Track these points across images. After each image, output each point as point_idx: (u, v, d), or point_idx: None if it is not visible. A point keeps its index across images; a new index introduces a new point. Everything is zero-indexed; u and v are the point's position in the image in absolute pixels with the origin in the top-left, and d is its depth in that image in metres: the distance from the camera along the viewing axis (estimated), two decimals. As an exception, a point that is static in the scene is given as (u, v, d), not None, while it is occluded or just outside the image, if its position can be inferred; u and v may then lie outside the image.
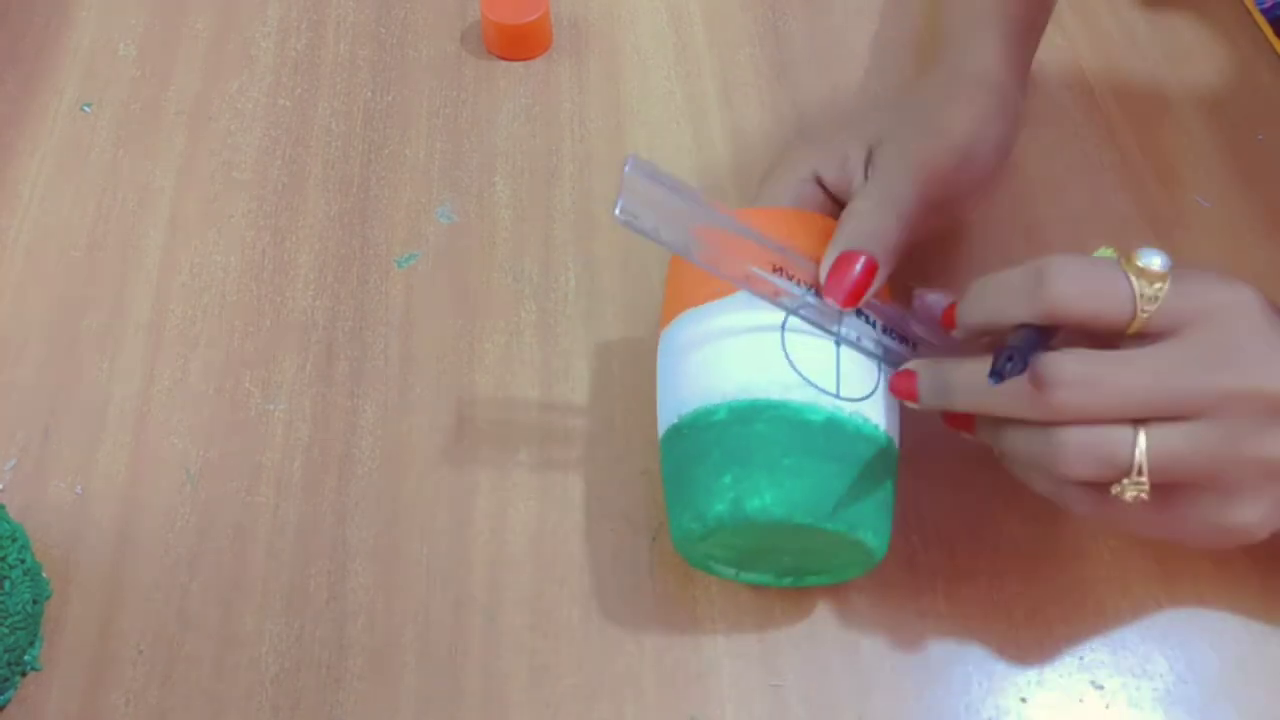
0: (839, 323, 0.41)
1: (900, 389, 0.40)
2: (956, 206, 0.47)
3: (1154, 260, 0.35)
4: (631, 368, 0.50)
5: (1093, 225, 0.55)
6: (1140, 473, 0.35)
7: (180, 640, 0.44)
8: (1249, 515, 0.36)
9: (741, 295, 0.41)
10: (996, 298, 0.38)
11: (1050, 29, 0.63)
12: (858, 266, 0.41)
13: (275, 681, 0.43)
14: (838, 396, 0.40)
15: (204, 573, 0.45)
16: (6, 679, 0.42)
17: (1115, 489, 0.36)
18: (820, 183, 0.46)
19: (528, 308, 0.52)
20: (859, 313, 0.42)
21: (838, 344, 0.41)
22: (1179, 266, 0.36)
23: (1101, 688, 0.42)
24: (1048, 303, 0.36)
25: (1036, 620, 0.44)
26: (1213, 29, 0.63)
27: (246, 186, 0.57)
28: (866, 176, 0.44)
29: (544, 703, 0.42)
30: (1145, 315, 0.35)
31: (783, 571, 0.43)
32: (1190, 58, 0.61)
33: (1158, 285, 0.35)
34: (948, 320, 0.41)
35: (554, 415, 0.49)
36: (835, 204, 0.46)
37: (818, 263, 0.42)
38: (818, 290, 0.41)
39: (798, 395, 0.39)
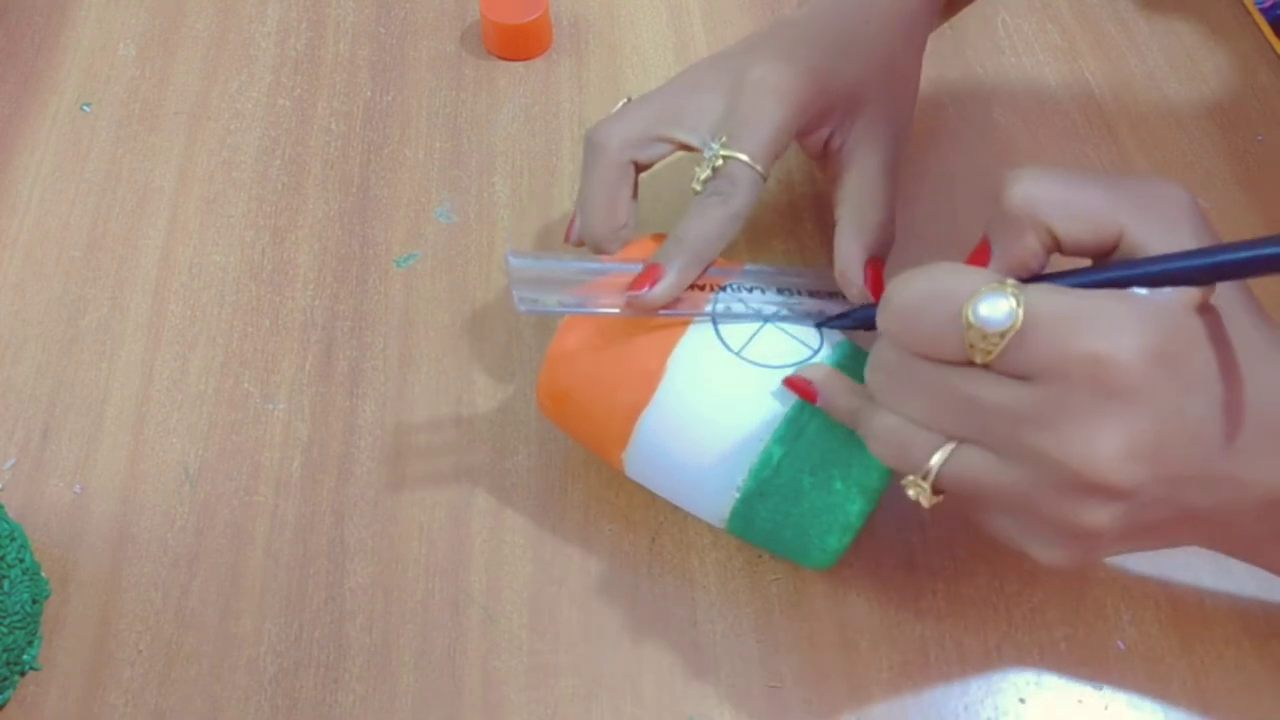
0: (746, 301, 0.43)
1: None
2: None
3: (994, 312, 0.31)
4: (631, 368, 0.50)
5: (1092, 225, 0.55)
6: (926, 478, 0.34)
7: (179, 640, 0.44)
8: (1043, 554, 0.34)
9: (676, 364, 0.41)
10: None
11: (1050, 29, 0.63)
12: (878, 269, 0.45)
13: (274, 681, 0.43)
14: (817, 351, 0.41)
15: (203, 572, 0.45)
16: (5, 678, 0.42)
17: (903, 481, 0.35)
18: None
19: (527, 308, 0.52)
20: (749, 287, 0.43)
21: (765, 322, 0.42)
22: (1082, 303, 0.31)
23: (1100, 688, 0.42)
24: (882, 327, 0.34)
25: (1036, 620, 0.44)
26: (1213, 29, 0.63)
27: (246, 186, 0.57)
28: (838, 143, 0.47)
29: (543, 703, 0.42)
30: (984, 361, 0.32)
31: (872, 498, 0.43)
32: (1190, 58, 0.61)
33: (992, 342, 0.31)
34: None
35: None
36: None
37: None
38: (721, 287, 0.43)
39: None
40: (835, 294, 0.45)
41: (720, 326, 0.41)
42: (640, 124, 0.45)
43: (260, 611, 0.44)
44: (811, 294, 0.45)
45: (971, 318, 0.31)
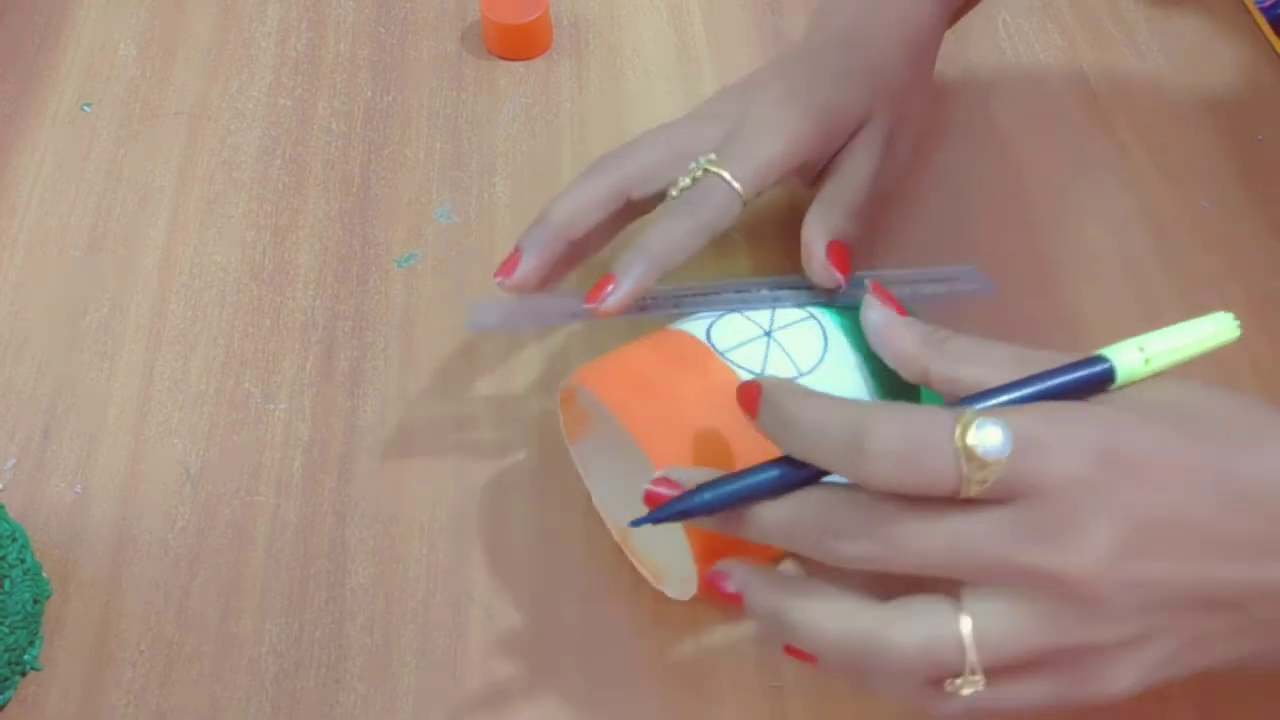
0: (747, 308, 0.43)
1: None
2: None
3: (990, 441, 0.30)
4: (631, 368, 0.50)
5: (1093, 225, 0.55)
6: (974, 665, 0.31)
7: (180, 640, 0.44)
8: (1111, 684, 0.32)
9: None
10: (811, 441, 0.33)
11: (1050, 29, 0.63)
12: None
13: (275, 681, 0.43)
14: (817, 319, 0.42)
15: (203, 572, 0.45)
16: (6, 679, 0.42)
17: (950, 687, 0.32)
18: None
19: (527, 308, 0.52)
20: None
21: (769, 335, 0.42)
22: (1029, 420, 0.31)
23: (1101, 688, 0.42)
24: (863, 477, 0.31)
25: (1036, 620, 0.44)
26: (1213, 29, 0.63)
27: (246, 186, 0.57)
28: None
29: (543, 703, 0.42)
30: (977, 493, 0.31)
31: None
32: (1190, 58, 0.61)
33: (990, 469, 0.30)
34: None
35: (554, 415, 0.49)
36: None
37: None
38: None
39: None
40: (780, 286, 0.45)
41: (765, 370, 0.40)
42: (646, 160, 0.45)
43: (261, 612, 0.44)
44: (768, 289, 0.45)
45: (974, 448, 0.30)
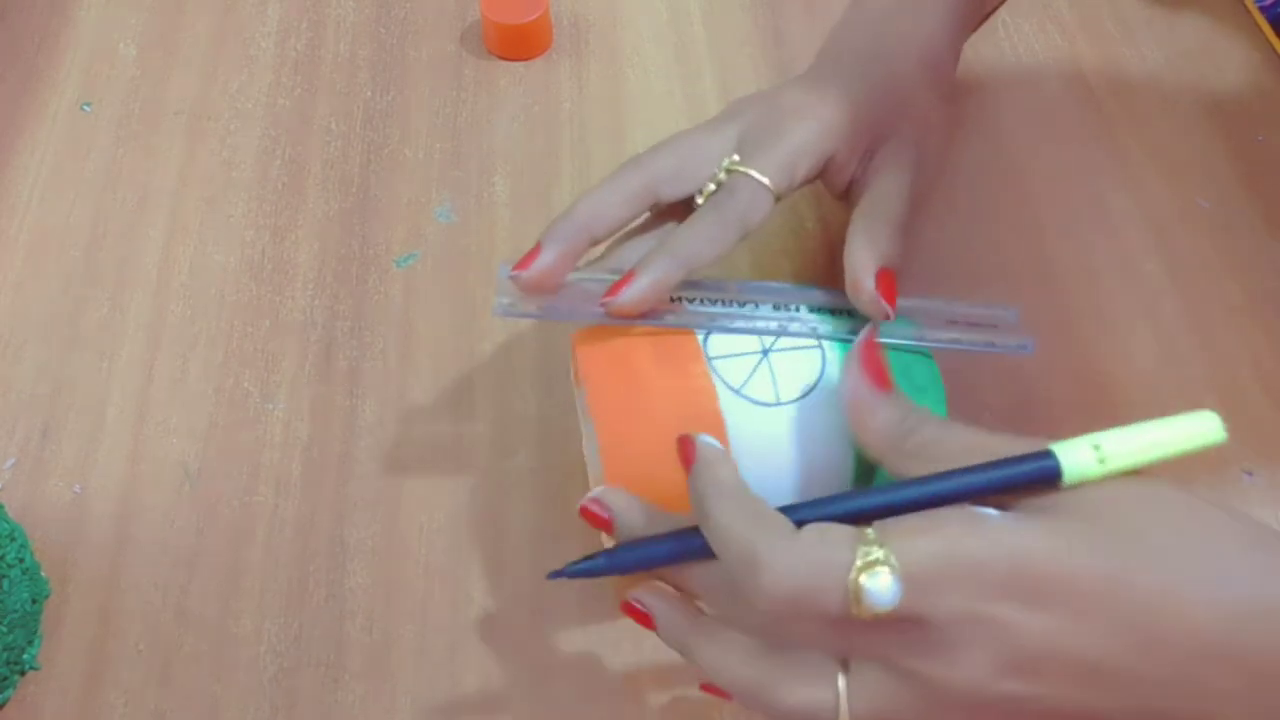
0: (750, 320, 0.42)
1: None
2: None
3: (881, 589, 0.30)
4: (631, 367, 0.50)
5: (1093, 225, 0.55)
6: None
7: (178, 639, 0.44)
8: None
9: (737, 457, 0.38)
10: (715, 541, 0.34)
11: (1050, 28, 0.63)
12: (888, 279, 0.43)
13: (274, 681, 0.43)
14: (822, 351, 0.41)
15: (202, 572, 0.45)
16: (5, 678, 0.42)
17: None
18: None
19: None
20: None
21: (765, 354, 0.41)
22: (928, 556, 0.31)
23: (1101, 688, 0.42)
24: (755, 603, 0.32)
25: (1036, 620, 0.44)
26: (1213, 29, 0.63)
27: (246, 186, 0.57)
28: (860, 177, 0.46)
29: (543, 702, 0.42)
30: (861, 618, 0.31)
31: None
32: (1190, 58, 0.61)
33: (876, 612, 0.31)
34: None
35: (553, 415, 0.49)
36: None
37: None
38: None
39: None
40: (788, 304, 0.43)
41: (743, 388, 0.40)
42: (673, 158, 0.44)
43: (260, 611, 0.44)
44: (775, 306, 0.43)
45: (864, 590, 0.30)
